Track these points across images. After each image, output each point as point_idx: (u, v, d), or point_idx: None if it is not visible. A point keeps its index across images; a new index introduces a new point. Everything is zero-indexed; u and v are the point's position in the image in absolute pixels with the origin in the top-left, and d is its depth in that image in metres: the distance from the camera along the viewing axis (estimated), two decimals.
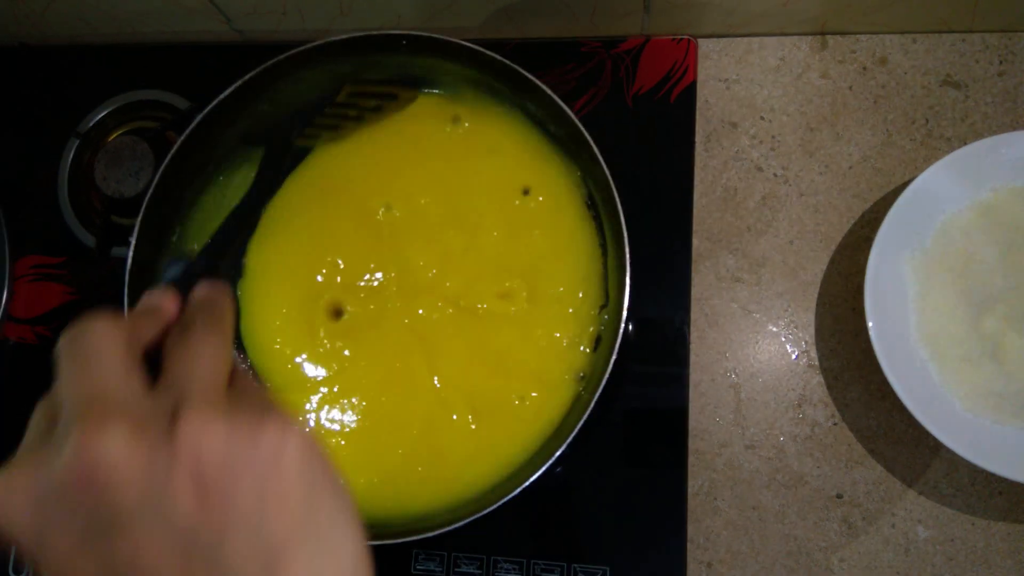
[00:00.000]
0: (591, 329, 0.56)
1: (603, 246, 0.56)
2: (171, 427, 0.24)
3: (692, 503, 0.56)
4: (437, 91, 0.60)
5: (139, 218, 0.54)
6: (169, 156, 0.54)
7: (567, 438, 0.48)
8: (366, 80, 0.56)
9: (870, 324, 0.51)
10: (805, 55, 0.62)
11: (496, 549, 0.56)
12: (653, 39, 0.62)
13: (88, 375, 0.25)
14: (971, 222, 0.54)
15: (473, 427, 0.55)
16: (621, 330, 0.49)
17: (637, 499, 0.56)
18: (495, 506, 0.48)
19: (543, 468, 0.48)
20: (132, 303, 0.53)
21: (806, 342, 0.58)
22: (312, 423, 0.56)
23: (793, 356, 0.58)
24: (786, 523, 0.56)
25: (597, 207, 0.56)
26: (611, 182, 0.51)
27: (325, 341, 0.57)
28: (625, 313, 0.49)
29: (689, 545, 0.56)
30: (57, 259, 0.66)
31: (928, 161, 0.57)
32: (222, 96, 0.55)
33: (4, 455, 0.26)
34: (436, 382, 0.56)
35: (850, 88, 0.61)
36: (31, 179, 0.67)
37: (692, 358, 0.58)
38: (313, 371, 0.57)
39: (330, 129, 0.59)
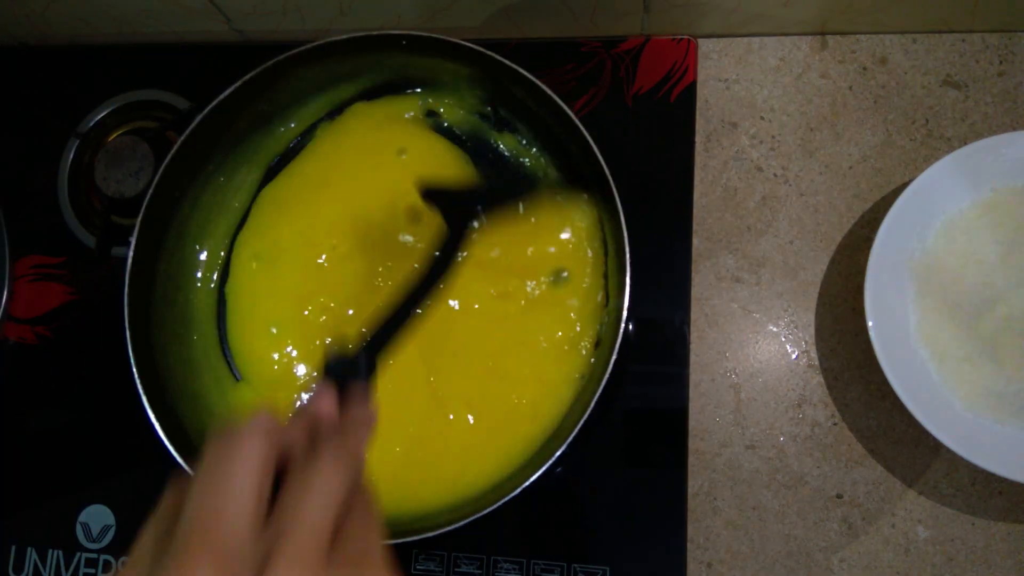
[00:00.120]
0: (591, 329, 0.56)
1: (603, 246, 0.56)
2: None
3: (692, 503, 0.56)
4: (436, 91, 0.60)
5: (139, 218, 0.54)
6: (169, 156, 0.54)
7: (567, 438, 0.48)
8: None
9: (870, 324, 0.51)
10: (805, 55, 0.62)
11: (496, 549, 0.56)
12: (653, 39, 0.62)
13: (213, 497, 0.26)
14: (971, 222, 0.54)
15: (472, 427, 0.55)
16: (621, 330, 0.49)
17: (637, 499, 0.56)
18: (495, 506, 0.48)
19: (543, 468, 0.48)
20: (132, 303, 0.53)
21: (806, 342, 0.58)
22: None
23: (793, 356, 0.58)
24: (786, 523, 0.56)
25: (596, 207, 0.56)
26: (611, 182, 0.51)
27: (316, 340, 0.57)
28: (625, 313, 0.49)
29: (689, 545, 0.56)
30: (57, 259, 0.66)
31: (928, 161, 0.57)
32: (222, 96, 0.55)
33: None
34: (432, 381, 0.56)
35: (850, 88, 0.61)
36: (31, 179, 0.67)
37: (692, 358, 0.58)
38: (304, 369, 0.57)
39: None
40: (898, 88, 0.60)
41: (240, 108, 0.56)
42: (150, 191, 0.54)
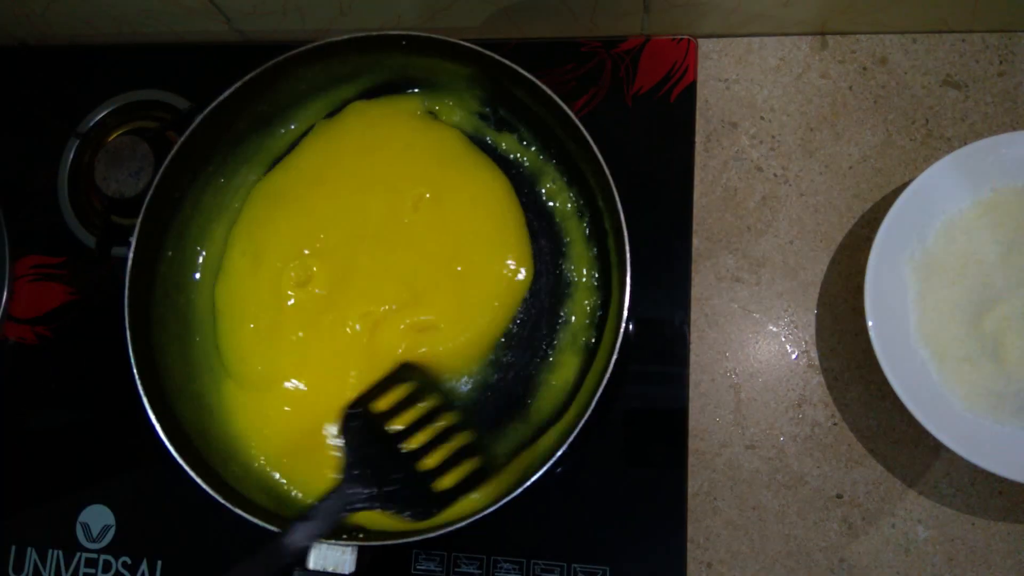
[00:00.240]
0: (591, 329, 0.56)
1: (603, 245, 0.56)
2: None
3: (692, 503, 0.56)
4: (436, 91, 0.60)
5: (139, 218, 0.54)
6: (169, 156, 0.54)
7: (567, 438, 0.48)
8: None
9: (870, 324, 0.51)
10: (805, 55, 0.62)
11: (496, 549, 0.56)
12: (653, 39, 0.62)
13: None
14: (971, 222, 0.54)
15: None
16: (621, 330, 0.49)
17: (637, 499, 0.56)
18: (495, 506, 0.48)
19: (543, 468, 0.48)
20: (132, 303, 0.53)
21: (806, 342, 0.58)
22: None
23: (793, 356, 0.58)
24: (786, 523, 0.56)
25: (596, 206, 0.56)
26: (611, 182, 0.51)
27: (295, 335, 0.57)
28: (625, 313, 0.49)
29: (689, 545, 0.56)
30: (57, 259, 0.66)
31: (928, 161, 0.57)
32: (222, 96, 0.55)
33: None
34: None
35: (850, 88, 0.61)
36: (31, 179, 0.67)
37: (692, 358, 0.58)
38: (286, 368, 0.57)
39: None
40: (898, 88, 0.60)
41: (240, 108, 0.56)
42: (150, 191, 0.54)
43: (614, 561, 0.55)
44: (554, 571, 0.55)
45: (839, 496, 0.56)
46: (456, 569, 0.56)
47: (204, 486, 0.49)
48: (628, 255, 0.50)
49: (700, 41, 0.62)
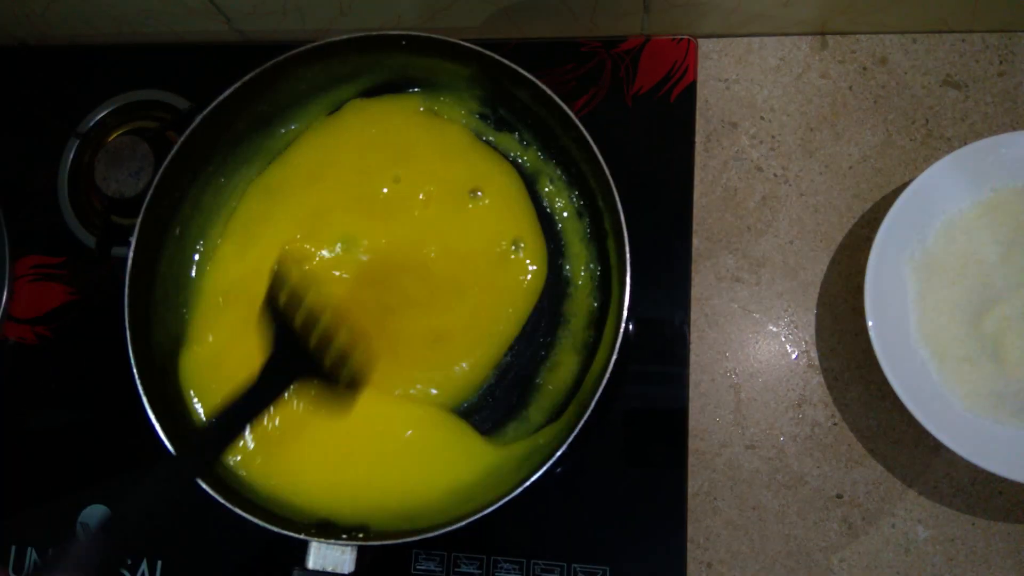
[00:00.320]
0: (591, 328, 0.56)
1: (603, 245, 0.56)
2: None
3: (692, 503, 0.56)
4: (436, 91, 0.60)
5: (139, 218, 0.54)
6: (169, 156, 0.54)
7: (567, 438, 0.48)
8: None
9: (870, 324, 0.51)
10: (805, 55, 0.62)
11: (496, 549, 0.56)
12: (653, 39, 0.62)
13: None
14: (971, 222, 0.54)
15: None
16: (621, 330, 0.49)
17: (637, 499, 0.56)
18: (495, 506, 0.48)
19: (543, 468, 0.48)
20: (132, 303, 0.53)
21: (806, 342, 0.58)
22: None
23: (793, 356, 0.58)
24: (786, 523, 0.56)
25: (596, 207, 0.56)
26: (611, 182, 0.51)
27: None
28: (625, 313, 0.49)
29: (689, 545, 0.56)
30: (57, 259, 0.66)
31: (928, 161, 0.57)
32: (222, 96, 0.55)
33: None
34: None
35: (850, 88, 0.61)
36: (31, 179, 0.67)
37: (692, 358, 0.58)
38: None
39: None
40: (898, 88, 0.60)
41: (240, 108, 0.56)
42: (150, 191, 0.54)
43: (614, 561, 0.55)
44: (554, 571, 0.55)
45: (839, 496, 0.56)
46: (456, 569, 0.56)
47: (204, 486, 0.49)
48: (628, 255, 0.50)
49: (700, 41, 0.62)
